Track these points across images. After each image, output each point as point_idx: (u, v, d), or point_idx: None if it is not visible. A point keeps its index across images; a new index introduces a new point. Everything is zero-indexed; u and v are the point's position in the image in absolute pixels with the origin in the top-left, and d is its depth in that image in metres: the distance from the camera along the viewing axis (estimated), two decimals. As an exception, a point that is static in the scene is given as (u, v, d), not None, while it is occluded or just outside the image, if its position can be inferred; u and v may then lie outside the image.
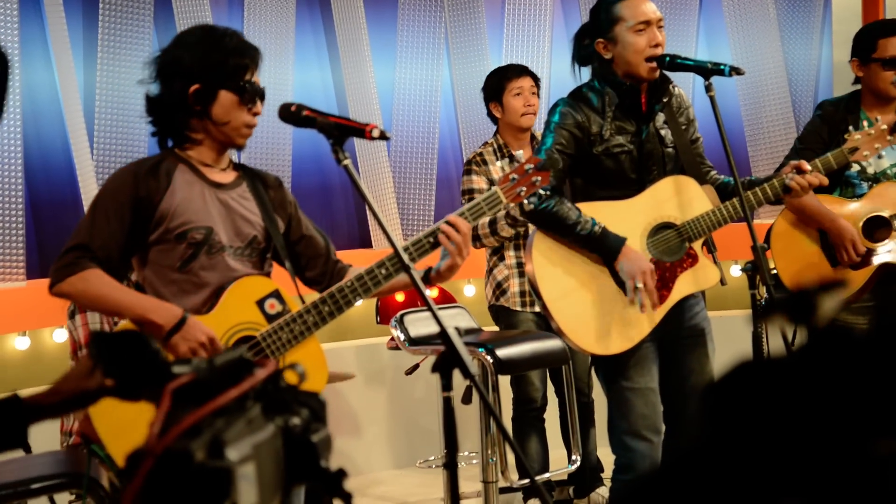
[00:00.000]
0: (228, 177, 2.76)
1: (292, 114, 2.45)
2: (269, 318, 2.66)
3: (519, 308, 4.43)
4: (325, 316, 2.66)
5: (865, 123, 3.53)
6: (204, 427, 1.05)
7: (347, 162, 2.39)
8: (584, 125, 3.26)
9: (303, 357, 2.67)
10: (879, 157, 3.87)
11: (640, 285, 3.18)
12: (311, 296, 2.72)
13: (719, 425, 0.66)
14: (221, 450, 1.02)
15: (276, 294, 2.69)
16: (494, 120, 4.51)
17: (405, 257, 2.41)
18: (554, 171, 3.15)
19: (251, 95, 2.67)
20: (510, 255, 4.41)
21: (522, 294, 4.39)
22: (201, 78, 2.63)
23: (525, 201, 2.89)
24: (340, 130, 2.43)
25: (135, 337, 1.52)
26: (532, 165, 2.83)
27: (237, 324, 2.64)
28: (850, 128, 3.51)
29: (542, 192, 2.98)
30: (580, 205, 3.25)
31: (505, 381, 4.51)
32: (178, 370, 1.26)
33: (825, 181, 3.30)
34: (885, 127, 3.42)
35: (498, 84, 4.44)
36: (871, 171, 3.94)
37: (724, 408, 0.67)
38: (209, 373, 1.22)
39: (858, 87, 4.05)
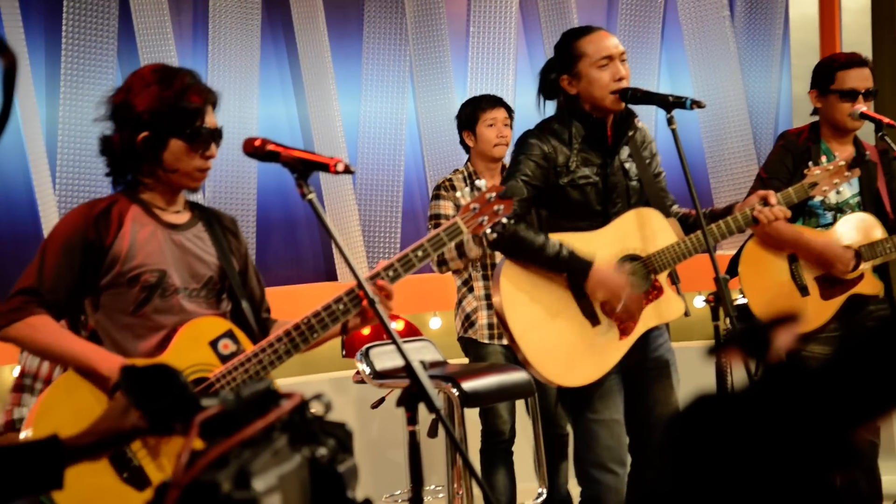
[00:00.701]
0: (183, 217, 2.73)
1: (256, 148, 2.44)
2: (223, 359, 2.61)
3: (487, 340, 4.42)
4: (280, 354, 2.62)
5: (824, 158, 3.58)
6: (230, 458, 1.04)
7: (312, 196, 2.39)
8: (550, 156, 3.29)
9: None
10: (838, 191, 3.93)
11: (619, 308, 3.20)
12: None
13: (679, 458, 0.66)
14: (248, 481, 1.02)
15: (230, 334, 2.65)
16: (467, 148, 4.55)
17: (370, 289, 2.40)
18: (519, 201, 3.16)
19: (203, 141, 2.63)
20: (479, 286, 4.41)
21: (491, 326, 4.39)
22: (151, 125, 2.59)
23: (487, 230, 2.89)
24: (304, 165, 2.43)
25: (163, 370, 1.52)
26: (494, 194, 2.83)
27: (190, 365, 2.58)
28: (810, 163, 3.56)
29: (504, 220, 2.99)
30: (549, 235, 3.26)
31: (473, 413, 4.50)
32: (206, 402, 1.25)
33: (788, 213, 3.35)
34: (842, 163, 3.48)
35: (472, 114, 4.47)
36: (833, 200, 3.99)
37: (684, 441, 0.67)
38: (236, 405, 1.22)
39: (817, 118, 4.11)
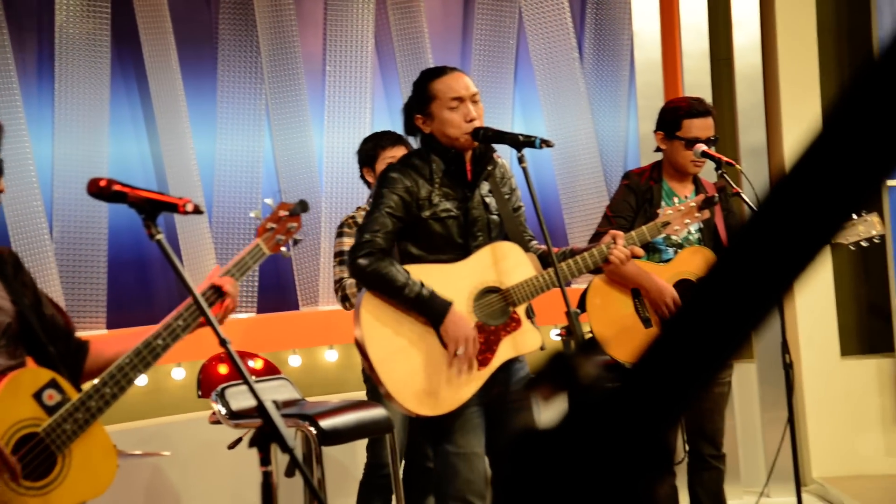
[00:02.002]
0: None
1: (102, 189, 2.40)
2: (49, 411, 2.50)
3: None
4: (108, 399, 2.53)
5: (676, 200, 3.71)
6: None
7: (160, 237, 2.36)
8: (412, 190, 3.33)
9: (90, 446, 2.54)
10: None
11: (460, 352, 3.23)
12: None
13: (505, 495, 0.68)
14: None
15: (54, 384, 2.53)
16: (368, 184, 4.54)
17: (221, 334, 2.38)
18: (384, 234, 3.21)
19: None
20: None
21: None
22: None
23: (283, 249, 2.92)
24: (152, 205, 2.40)
25: None
26: (286, 212, 2.87)
27: (16, 423, 2.47)
28: (663, 203, 3.69)
29: (297, 237, 2.99)
30: (408, 267, 3.29)
31: (339, 450, 4.49)
32: None
33: (641, 252, 3.47)
34: (693, 204, 3.61)
35: (373, 151, 4.49)
36: (676, 238, 4.12)
37: (507, 477, 0.69)
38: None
39: (661, 156, 4.25)
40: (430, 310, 3.26)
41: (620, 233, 3.49)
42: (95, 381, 2.57)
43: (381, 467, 4.46)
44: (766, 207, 0.52)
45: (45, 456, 2.49)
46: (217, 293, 2.67)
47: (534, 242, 3.56)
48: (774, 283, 0.50)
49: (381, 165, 4.44)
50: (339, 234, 4.49)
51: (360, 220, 4.44)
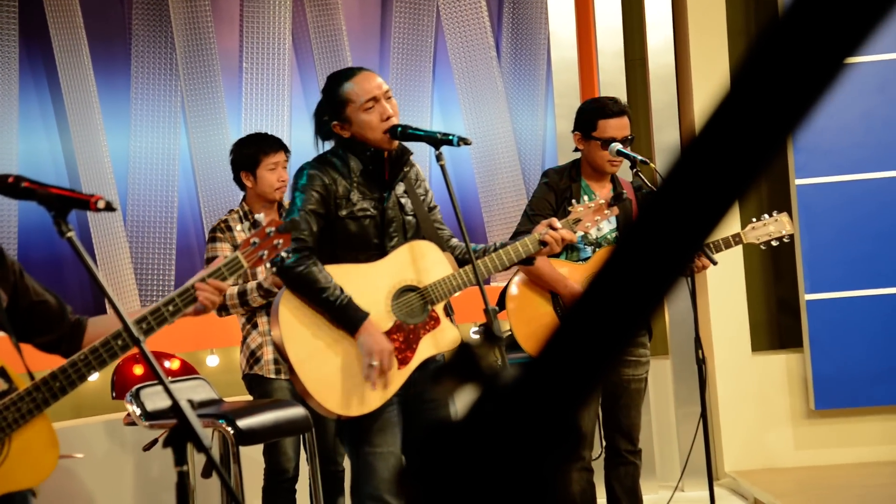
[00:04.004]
0: None
1: (9, 185, 2.36)
2: None
3: (273, 376, 4.37)
4: (55, 392, 2.53)
5: (586, 198, 3.75)
6: None
7: (71, 234, 2.33)
8: (330, 188, 3.33)
9: (32, 437, 2.54)
10: (598, 227, 4.11)
11: (375, 363, 3.22)
12: (42, 370, 2.59)
13: (415, 488, 0.68)
14: None
15: (2, 371, 2.54)
16: (242, 186, 4.47)
17: (135, 330, 2.35)
18: (309, 233, 3.19)
19: None
20: (263, 321, 4.35)
21: (276, 361, 4.34)
22: None
23: (267, 265, 2.88)
24: (62, 202, 2.36)
25: None
26: (273, 228, 2.83)
27: None
28: (574, 201, 3.71)
29: (283, 254, 2.99)
30: (328, 266, 3.27)
31: (258, 451, 4.44)
32: None
33: (574, 238, 3.49)
34: (602, 201, 3.65)
35: (255, 156, 4.39)
36: (593, 236, 4.16)
37: (417, 470, 0.69)
38: None
39: (579, 155, 4.29)
40: (346, 318, 3.26)
41: (555, 219, 3.52)
42: (47, 374, 2.55)
43: (280, 473, 4.41)
44: (663, 188, 0.53)
45: None
46: (189, 299, 2.65)
47: (454, 240, 3.57)
48: (669, 265, 0.51)
49: (262, 171, 4.37)
50: (212, 240, 4.38)
51: (231, 224, 4.39)
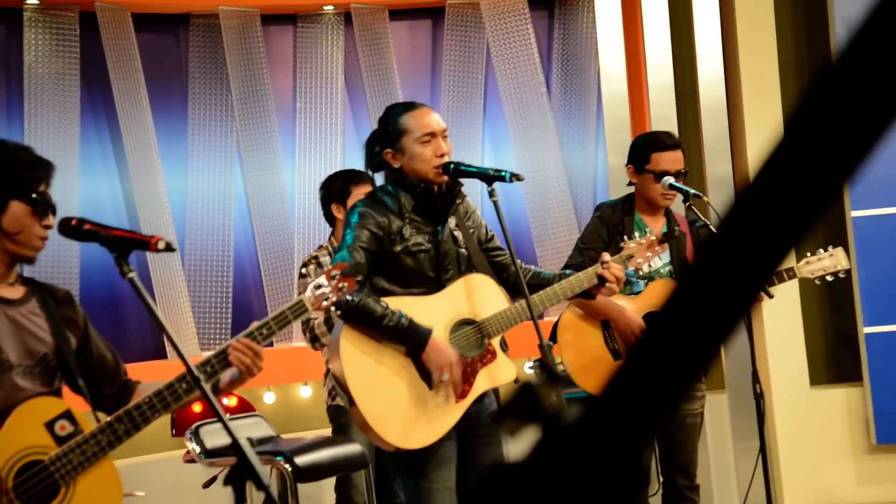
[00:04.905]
0: (17, 292, 2.64)
1: (73, 228, 2.40)
2: (59, 441, 2.53)
3: None
4: (120, 435, 2.56)
5: (638, 234, 3.73)
6: None
7: (132, 275, 2.36)
8: (383, 225, 3.34)
9: (96, 480, 2.56)
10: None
11: (445, 378, 3.22)
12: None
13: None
14: None
15: (68, 414, 2.56)
16: (332, 220, 4.51)
17: (196, 370, 2.37)
18: (360, 269, 3.21)
19: (43, 207, 2.58)
20: None
21: None
22: None
23: (332, 308, 2.90)
24: (124, 243, 2.40)
25: None
26: (338, 272, 2.85)
27: (23, 448, 2.50)
28: (626, 237, 3.70)
29: (348, 297, 3.00)
30: (385, 299, 3.28)
31: (314, 487, 4.46)
32: None
33: (623, 276, 3.47)
34: (654, 238, 3.64)
35: (344, 188, 4.46)
36: (645, 269, 4.14)
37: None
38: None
39: (632, 190, 4.28)
40: (410, 338, 3.26)
41: (606, 254, 3.52)
42: (110, 416, 2.57)
43: (349, 503, 4.42)
44: (721, 231, 0.53)
45: (48, 484, 2.50)
46: (223, 363, 2.66)
47: (519, 261, 3.56)
48: (733, 305, 0.52)
49: (352, 202, 4.43)
50: (302, 276, 4.44)
51: (322, 260, 4.43)
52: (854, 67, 0.47)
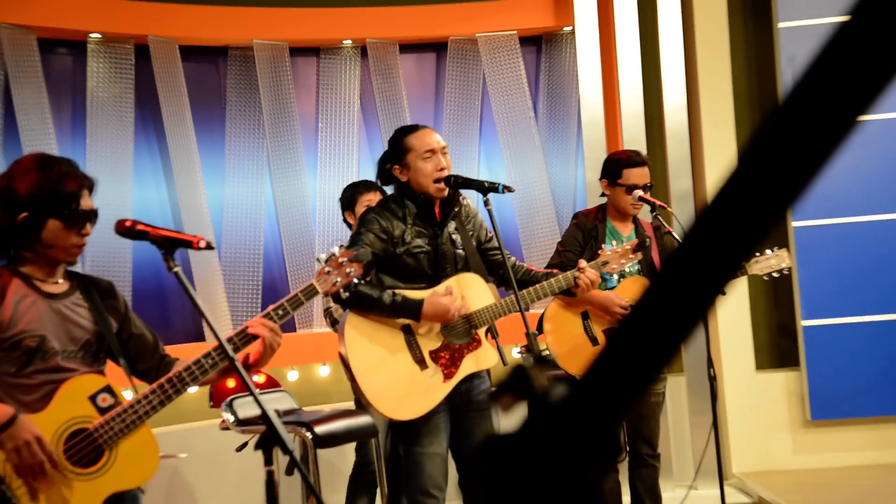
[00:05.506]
0: (62, 287, 2.63)
1: (127, 229, 2.40)
2: (102, 411, 2.53)
3: None
4: (155, 405, 2.55)
5: (615, 242, 3.72)
6: None
7: (177, 269, 2.36)
8: (388, 230, 3.34)
9: (135, 444, 2.55)
10: None
11: (453, 310, 3.25)
12: (144, 386, 2.62)
13: (477, 493, 0.69)
14: None
15: (108, 389, 2.56)
16: (349, 225, 4.52)
17: (229, 348, 2.37)
18: (365, 264, 3.22)
19: (79, 220, 2.57)
20: None
21: None
22: (30, 207, 2.52)
23: (341, 290, 2.90)
24: (171, 242, 2.40)
25: None
26: (346, 259, 2.85)
27: (70, 418, 2.51)
28: (604, 245, 3.70)
29: (355, 280, 3.00)
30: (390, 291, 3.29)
31: (349, 447, 4.50)
32: None
33: (597, 280, 3.48)
34: (628, 247, 3.64)
35: (352, 196, 4.48)
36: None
37: (478, 477, 0.70)
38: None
39: (605, 200, 4.28)
40: (407, 309, 3.27)
41: (583, 260, 3.52)
42: (146, 389, 2.57)
43: (367, 465, 4.45)
44: (686, 241, 0.54)
45: (93, 448, 2.51)
46: (246, 338, 2.66)
47: (511, 258, 3.56)
48: (696, 304, 0.52)
49: (359, 208, 4.44)
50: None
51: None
52: (797, 110, 0.48)
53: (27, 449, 2.41)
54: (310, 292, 2.78)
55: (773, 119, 0.47)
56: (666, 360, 0.54)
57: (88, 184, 2.62)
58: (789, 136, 0.47)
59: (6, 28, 5.10)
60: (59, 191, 2.54)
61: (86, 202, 2.60)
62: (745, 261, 0.52)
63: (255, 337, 2.68)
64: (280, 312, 2.71)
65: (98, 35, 5.40)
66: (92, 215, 2.61)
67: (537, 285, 3.45)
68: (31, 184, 2.52)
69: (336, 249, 2.90)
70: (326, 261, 2.85)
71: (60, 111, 5.38)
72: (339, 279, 2.82)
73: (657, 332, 0.52)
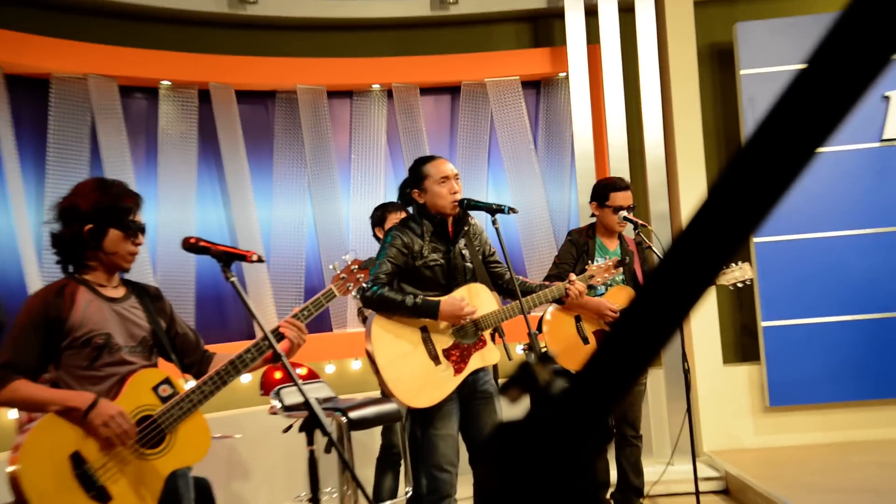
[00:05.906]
0: (119, 292, 2.65)
1: (191, 245, 2.41)
2: (163, 400, 2.54)
3: None
4: (206, 394, 2.55)
5: (601, 259, 3.71)
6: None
7: (233, 279, 2.36)
8: (409, 245, 3.34)
9: (191, 428, 2.55)
10: None
11: (468, 310, 3.23)
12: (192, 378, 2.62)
13: (492, 472, 0.68)
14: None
15: (167, 381, 2.57)
16: (378, 239, 4.51)
17: (277, 346, 2.38)
18: (386, 273, 3.22)
19: (134, 231, 2.58)
20: None
21: None
22: (94, 219, 2.54)
23: (353, 293, 2.92)
24: (228, 256, 2.41)
25: None
26: (356, 266, 2.88)
27: (138, 406, 2.51)
28: (590, 261, 3.70)
29: (364, 285, 2.99)
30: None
31: (378, 430, 4.48)
32: None
33: (585, 290, 3.48)
34: (611, 263, 3.63)
35: (382, 215, 4.47)
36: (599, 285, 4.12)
37: (487, 460, 0.69)
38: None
39: (594, 220, 4.27)
40: (426, 310, 3.26)
41: (573, 274, 3.52)
42: (198, 380, 2.58)
43: (391, 447, 4.42)
44: (666, 259, 0.54)
45: (157, 432, 2.51)
46: (278, 336, 2.67)
47: (507, 275, 3.55)
48: (675, 311, 0.52)
49: (388, 224, 4.45)
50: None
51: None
52: (759, 147, 0.48)
53: (114, 421, 2.40)
54: (329, 295, 2.81)
55: (739, 156, 0.47)
56: (651, 359, 0.54)
57: (139, 202, 2.64)
58: (752, 170, 0.47)
59: (93, 77, 5.16)
60: (117, 206, 2.55)
61: (138, 216, 2.61)
62: (715, 276, 0.52)
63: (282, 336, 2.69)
64: (306, 313, 2.73)
65: (168, 82, 5.44)
66: (143, 228, 2.62)
67: (534, 294, 3.45)
68: (94, 200, 2.54)
69: (348, 258, 2.92)
70: (341, 269, 2.89)
71: (137, 146, 5.42)
72: (350, 284, 2.85)
73: (642, 334, 0.52)
